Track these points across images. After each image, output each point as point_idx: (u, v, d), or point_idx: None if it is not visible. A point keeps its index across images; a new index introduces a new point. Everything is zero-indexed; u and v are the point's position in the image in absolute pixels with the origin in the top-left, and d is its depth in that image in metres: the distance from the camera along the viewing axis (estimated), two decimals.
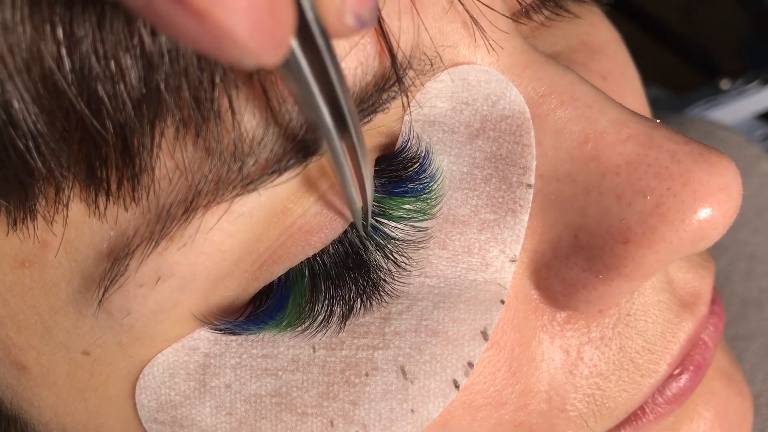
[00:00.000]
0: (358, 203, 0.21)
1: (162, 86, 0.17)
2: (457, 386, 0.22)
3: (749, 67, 0.92)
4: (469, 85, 0.22)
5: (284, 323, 0.22)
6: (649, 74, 0.30)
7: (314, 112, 0.18)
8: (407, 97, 0.21)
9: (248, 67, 0.14)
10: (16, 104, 0.17)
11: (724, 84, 0.80)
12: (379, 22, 0.19)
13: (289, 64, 0.16)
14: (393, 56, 0.20)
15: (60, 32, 0.16)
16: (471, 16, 0.21)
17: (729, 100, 0.78)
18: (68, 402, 0.23)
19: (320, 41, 0.16)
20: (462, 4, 0.21)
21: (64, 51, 0.16)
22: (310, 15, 0.16)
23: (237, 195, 0.19)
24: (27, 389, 0.23)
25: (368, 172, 0.20)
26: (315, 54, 0.16)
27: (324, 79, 0.17)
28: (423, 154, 0.22)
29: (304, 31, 0.16)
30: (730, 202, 0.21)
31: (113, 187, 0.18)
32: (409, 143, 0.22)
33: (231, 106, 0.18)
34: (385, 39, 0.19)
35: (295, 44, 0.16)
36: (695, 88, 0.86)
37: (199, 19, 0.12)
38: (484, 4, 0.21)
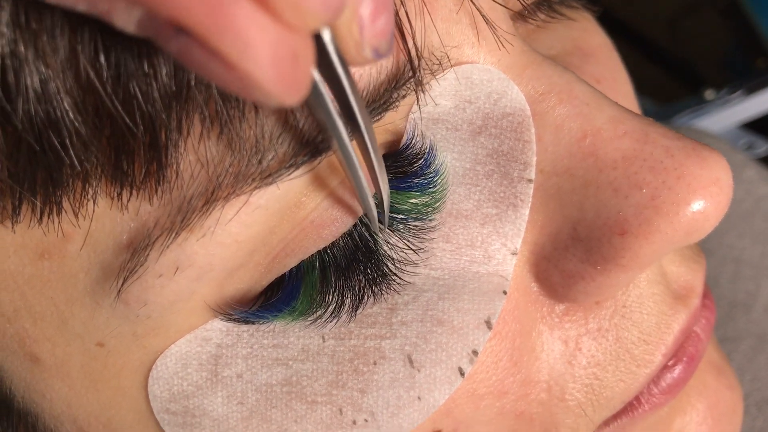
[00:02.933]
0: (373, 205, 0.21)
1: (192, 83, 0.18)
2: (462, 374, 0.22)
3: (732, 79, 0.93)
4: (472, 83, 0.23)
5: (296, 313, 0.23)
6: (635, 86, 0.31)
7: (326, 118, 0.19)
8: (423, 93, 0.22)
9: (271, 106, 0.16)
10: (55, 103, 0.17)
11: (709, 94, 0.82)
12: (399, 22, 0.20)
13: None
14: (410, 56, 0.21)
15: (97, 32, 0.17)
16: (483, 16, 0.22)
17: (714, 110, 0.79)
18: (81, 393, 0.23)
19: (340, 71, 0.17)
20: (473, 4, 0.22)
21: (101, 49, 0.17)
22: (330, 47, 0.17)
23: (255, 188, 0.20)
24: (40, 381, 0.23)
25: (382, 171, 0.21)
26: (332, 74, 0.18)
27: (337, 88, 0.18)
28: (427, 150, 0.23)
29: (322, 56, 0.17)
30: (721, 195, 0.22)
31: (138, 180, 0.19)
32: (413, 140, 0.23)
33: (254, 104, 0.19)
34: (403, 40, 0.20)
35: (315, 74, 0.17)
36: (680, 98, 0.87)
37: (229, 69, 0.14)
38: (486, 7, 0.22)
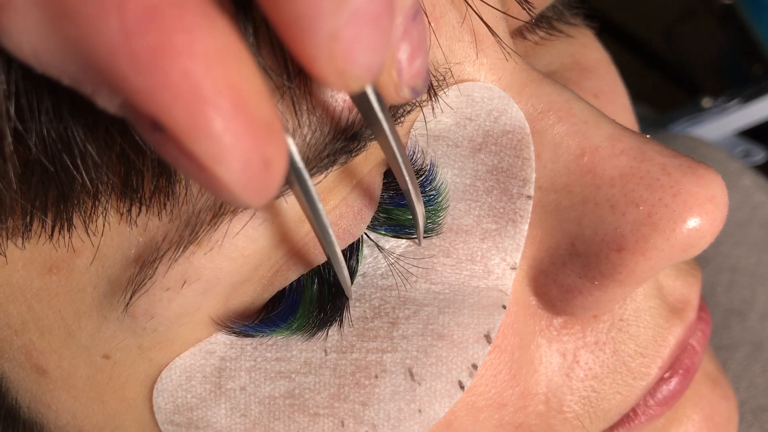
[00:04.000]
0: (344, 265, 0.22)
1: None
2: (462, 387, 0.23)
3: (729, 85, 0.94)
4: (473, 101, 0.23)
5: (294, 326, 0.23)
6: (632, 93, 0.32)
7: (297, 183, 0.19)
8: (434, 103, 0.23)
9: (237, 206, 0.16)
10: (67, 123, 0.17)
11: (706, 102, 0.82)
12: None
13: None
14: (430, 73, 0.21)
15: None
16: (490, 29, 0.23)
17: (710, 118, 0.79)
18: (86, 405, 0.24)
19: (380, 114, 0.18)
20: (474, 21, 0.22)
21: None
22: (372, 97, 0.18)
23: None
24: (46, 393, 0.24)
25: (419, 200, 0.22)
26: (369, 110, 0.18)
27: (376, 127, 0.19)
28: (429, 167, 0.23)
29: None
30: (717, 212, 0.22)
31: (146, 196, 0.19)
32: (415, 156, 0.23)
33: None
34: None
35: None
36: (677, 106, 0.88)
37: (201, 170, 0.14)
38: (487, 25, 0.23)
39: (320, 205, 0.19)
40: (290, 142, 0.18)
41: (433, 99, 0.22)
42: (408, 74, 0.16)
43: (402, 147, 0.20)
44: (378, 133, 0.19)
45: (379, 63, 0.14)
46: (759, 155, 0.78)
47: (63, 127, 0.17)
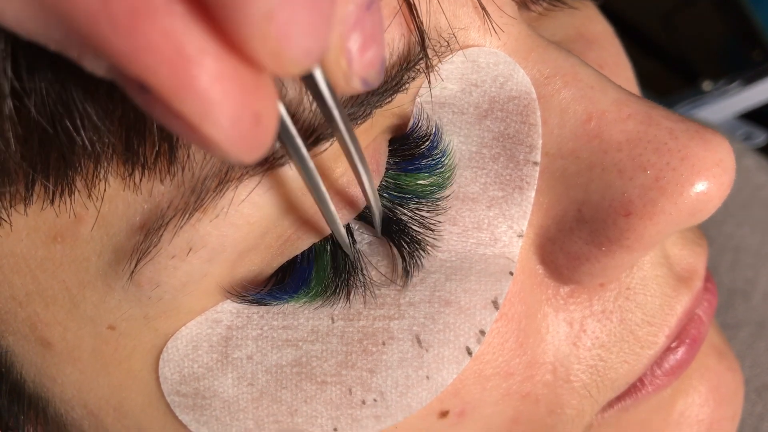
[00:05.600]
0: (341, 226, 0.22)
1: None
2: (470, 353, 0.23)
3: (728, 71, 0.94)
4: (479, 67, 0.23)
5: (310, 294, 0.23)
6: None
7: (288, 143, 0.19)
8: (431, 73, 0.22)
9: (231, 162, 0.16)
10: (67, 84, 0.17)
11: (706, 85, 0.82)
12: (408, 3, 0.20)
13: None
14: (422, 35, 0.21)
15: None
16: (480, 3, 0.22)
17: (711, 101, 0.79)
18: (92, 377, 0.23)
19: (330, 100, 0.18)
20: None
21: None
22: (317, 73, 0.17)
23: (269, 168, 0.20)
24: (51, 366, 0.23)
25: (370, 179, 0.21)
26: (318, 94, 0.18)
27: (324, 108, 0.18)
28: (434, 132, 0.23)
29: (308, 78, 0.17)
30: (724, 176, 0.22)
31: (149, 160, 0.19)
32: (420, 122, 0.23)
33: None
34: (412, 18, 0.21)
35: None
36: (676, 91, 0.88)
37: (190, 128, 0.14)
38: None
39: (311, 163, 0.19)
40: (279, 105, 0.17)
41: (431, 68, 0.22)
42: (359, 65, 0.16)
43: (354, 138, 0.19)
44: (330, 120, 0.18)
45: (319, 48, 0.14)
46: (760, 137, 0.78)
47: (62, 87, 0.17)
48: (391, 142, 0.23)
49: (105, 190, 0.20)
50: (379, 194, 0.23)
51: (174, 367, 0.23)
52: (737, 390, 0.30)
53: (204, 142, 0.14)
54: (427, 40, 0.21)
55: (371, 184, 0.21)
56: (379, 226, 0.23)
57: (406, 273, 0.23)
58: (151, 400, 0.24)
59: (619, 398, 0.26)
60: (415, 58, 0.21)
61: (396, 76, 0.21)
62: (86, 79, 0.17)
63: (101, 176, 0.19)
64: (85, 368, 0.23)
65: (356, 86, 0.17)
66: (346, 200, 0.22)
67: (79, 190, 0.20)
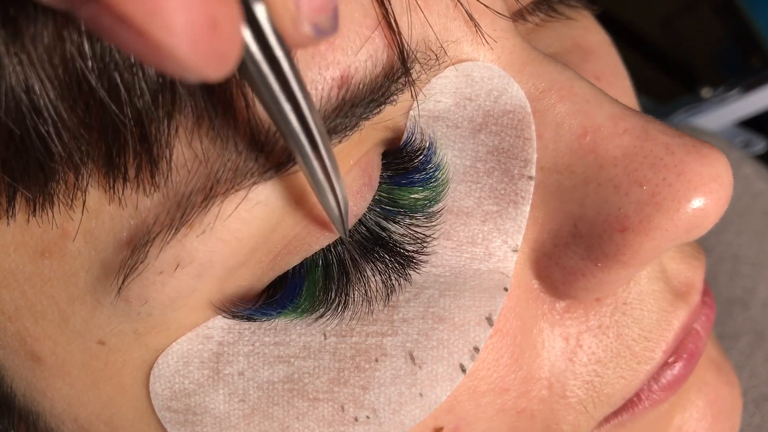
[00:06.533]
0: (335, 211, 0.21)
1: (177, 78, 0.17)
2: (463, 370, 0.23)
3: (727, 77, 0.94)
4: (473, 81, 0.23)
5: (299, 311, 0.23)
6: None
7: (282, 126, 0.18)
8: (414, 87, 0.22)
9: (192, 81, 0.14)
10: (38, 90, 0.17)
11: (706, 92, 0.82)
12: (387, 16, 0.20)
13: (249, 74, 0.16)
14: (401, 48, 0.20)
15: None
16: (470, 15, 0.22)
17: (710, 108, 0.79)
18: (82, 392, 0.23)
19: (279, 53, 0.16)
20: (464, 3, 0.22)
21: (85, 39, 0.17)
22: (266, 26, 0.15)
23: (254, 183, 0.20)
24: (41, 380, 0.23)
25: (340, 183, 0.20)
26: (276, 66, 0.16)
27: (288, 91, 0.17)
28: (427, 146, 0.23)
29: (262, 42, 0.16)
30: (722, 191, 0.22)
31: (131, 173, 0.19)
32: (414, 136, 0.23)
33: (244, 98, 0.19)
34: (391, 31, 0.20)
35: (257, 54, 0.16)
36: (675, 97, 0.88)
37: (138, 36, 0.13)
38: (484, 4, 0.22)
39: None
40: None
41: (412, 83, 0.21)
42: (308, 7, 0.15)
43: (311, 102, 0.18)
44: (279, 75, 0.16)
45: None
46: (759, 145, 0.78)
47: (33, 92, 0.17)
48: (384, 155, 0.23)
49: (87, 202, 0.20)
50: (373, 208, 0.23)
51: (165, 383, 0.23)
52: (735, 404, 0.29)
53: (157, 55, 0.13)
54: (412, 54, 0.21)
55: (338, 177, 0.20)
56: (344, 228, 0.22)
57: (399, 288, 0.23)
58: (142, 415, 0.23)
59: (616, 413, 0.26)
60: (399, 71, 0.21)
61: (381, 88, 0.21)
62: (58, 84, 0.17)
63: (82, 187, 0.19)
64: (75, 383, 0.23)
65: (307, 32, 0.15)
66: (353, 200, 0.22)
67: (61, 202, 0.19)
